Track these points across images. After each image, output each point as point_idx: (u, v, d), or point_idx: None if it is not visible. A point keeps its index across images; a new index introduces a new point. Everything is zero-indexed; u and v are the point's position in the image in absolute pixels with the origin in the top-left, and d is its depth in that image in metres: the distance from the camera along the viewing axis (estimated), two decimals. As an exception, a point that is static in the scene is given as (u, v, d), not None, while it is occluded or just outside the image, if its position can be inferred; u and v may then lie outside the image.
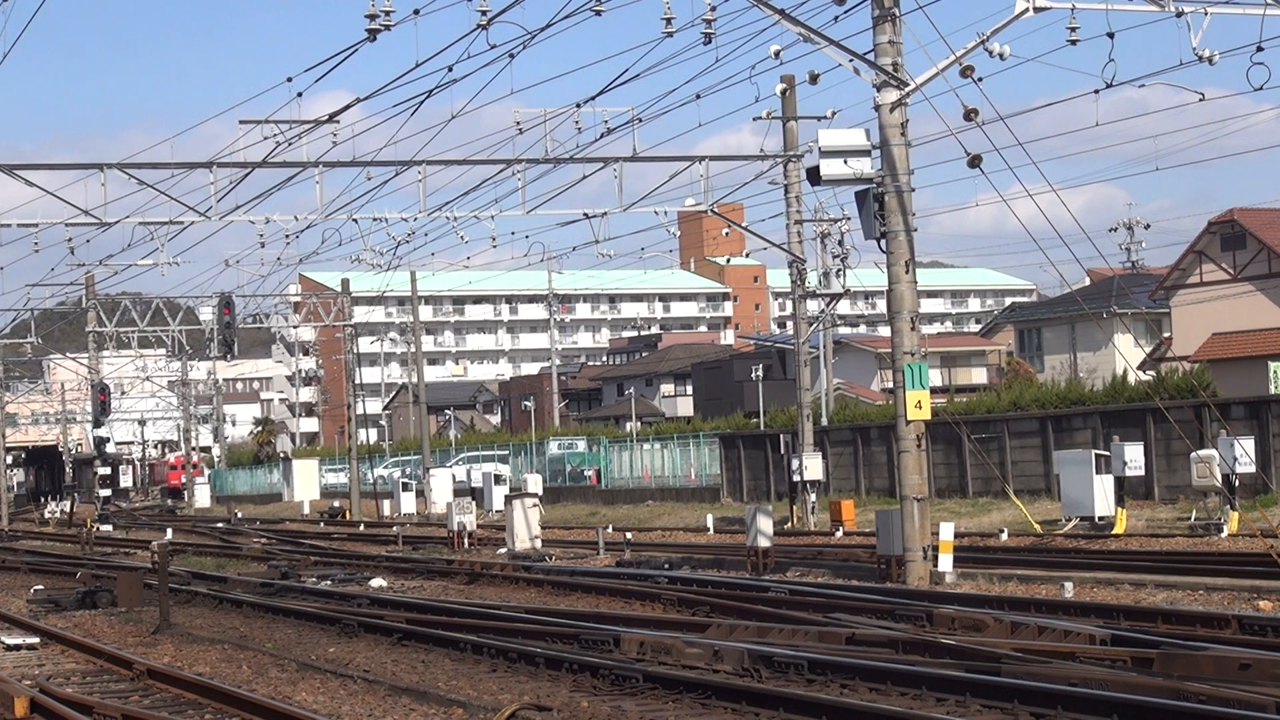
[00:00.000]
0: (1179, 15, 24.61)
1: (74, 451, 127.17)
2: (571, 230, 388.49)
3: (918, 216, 28.45)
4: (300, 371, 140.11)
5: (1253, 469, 32.59)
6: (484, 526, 46.26)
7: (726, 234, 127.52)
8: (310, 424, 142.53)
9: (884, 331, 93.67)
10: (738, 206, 66.95)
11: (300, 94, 32.22)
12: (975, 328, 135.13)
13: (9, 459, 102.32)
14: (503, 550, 38.10)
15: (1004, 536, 33.70)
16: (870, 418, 52.53)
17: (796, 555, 31.67)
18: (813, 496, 42.86)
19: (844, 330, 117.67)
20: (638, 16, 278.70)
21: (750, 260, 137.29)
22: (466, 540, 40.73)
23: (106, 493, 68.20)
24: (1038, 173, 26.63)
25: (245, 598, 27.50)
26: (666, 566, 30.60)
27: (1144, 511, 36.90)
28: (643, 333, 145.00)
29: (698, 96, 32.72)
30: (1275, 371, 52.05)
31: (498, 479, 57.45)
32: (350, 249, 44.64)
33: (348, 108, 32.00)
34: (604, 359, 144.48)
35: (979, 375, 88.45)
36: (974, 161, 24.37)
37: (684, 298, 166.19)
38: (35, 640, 22.36)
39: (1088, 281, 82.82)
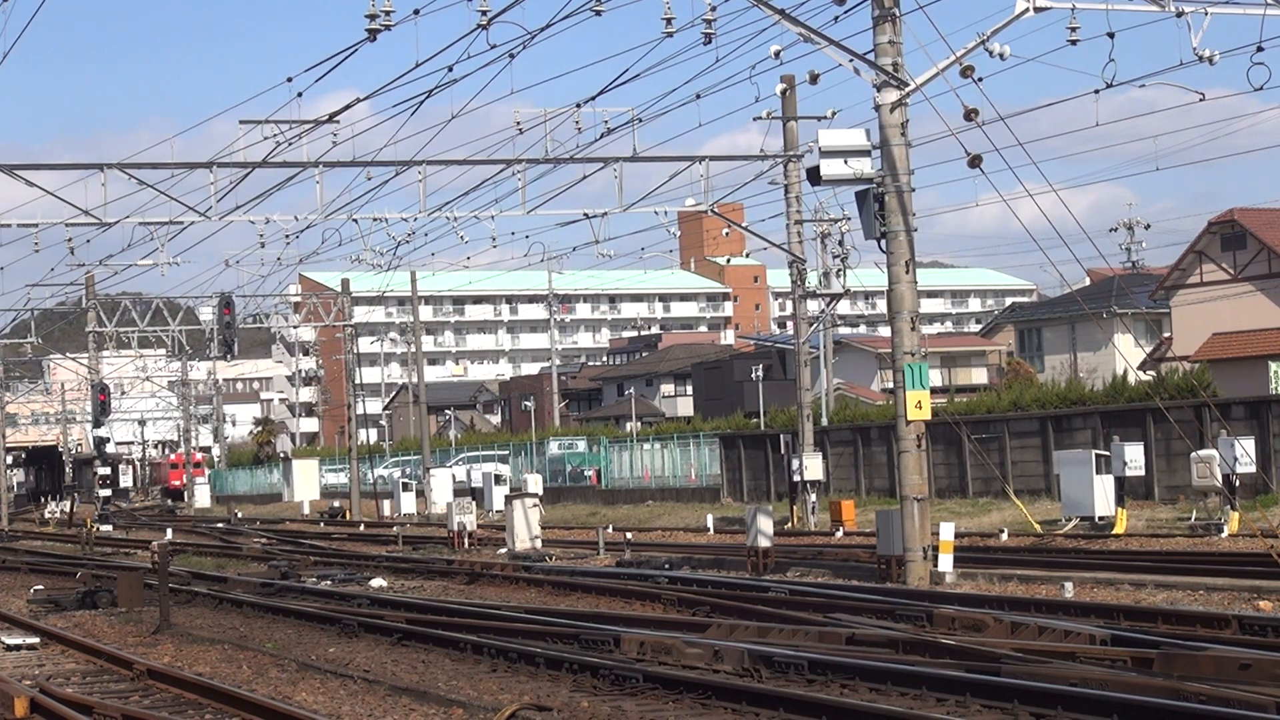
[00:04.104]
0: (1179, 15, 24.61)
1: (74, 451, 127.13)
2: (571, 230, 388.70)
3: (919, 216, 28.47)
4: (300, 371, 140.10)
5: (1253, 469, 32.60)
6: (484, 526, 46.26)
7: (726, 234, 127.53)
8: (310, 424, 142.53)
9: (884, 331, 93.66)
10: (738, 206, 66.92)
11: (300, 94, 32.25)
12: (975, 328, 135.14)
13: (9, 459, 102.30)
14: (503, 550, 38.10)
15: (1004, 536, 33.70)
16: (870, 418, 52.53)
17: (796, 555, 31.68)
18: (813, 496, 42.85)
19: (844, 330, 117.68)
20: (638, 16, 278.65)
21: (750, 260, 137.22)
22: (466, 540, 40.73)
23: (106, 493, 68.18)
24: (1039, 173, 26.64)
25: (245, 598, 27.49)
26: (666, 566, 30.60)
27: (1144, 511, 36.90)
28: (643, 333, 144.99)
29: (698, 96, 32.74)
30: (1275, 371, 52.08)
31: (498, 479, 57.46)
32: (350, 249, 44.68)
33: (348, 107, 31.99)
34: (604, 359, 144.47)
35: (979, 375, 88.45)
36: (974, 162, 24.37)
37: (684, 298, 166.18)
38: (35, 640, 22.36)
39: (1088, 281, 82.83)
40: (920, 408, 25.60)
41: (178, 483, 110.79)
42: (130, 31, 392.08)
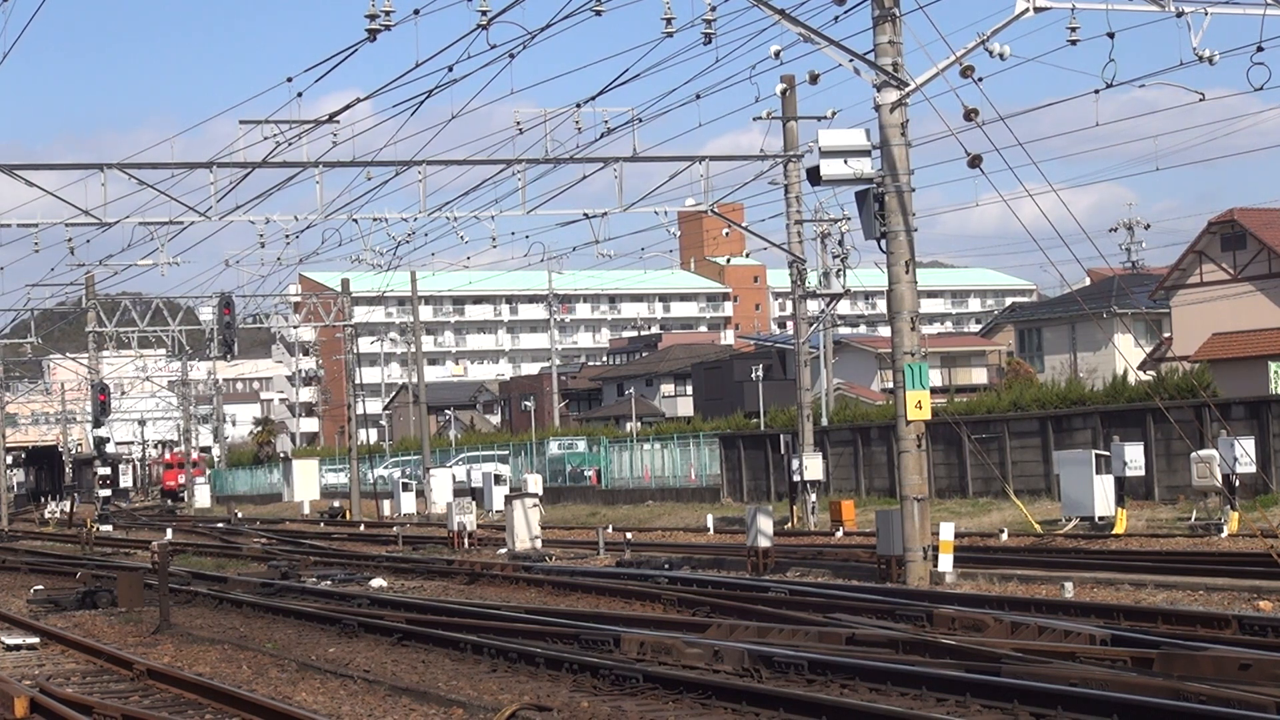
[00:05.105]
0: (1179, 15, 24.61)
1: (74, 451, 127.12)
2: (571, 230, 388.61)
3: (919, 216, 28.48)
4: (300, 371, 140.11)
5: (1253, 469, 32.60)
6: (484, 526, 46.26)
7: (726, 234, 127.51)
8: (310, 424, 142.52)
9: (884, 331, 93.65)
10: (738, 206, 66.93)
11: (300, 94, 32.23)
12: (975, 328, 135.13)
13: (9, 459, 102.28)
14: (503, 550, 38.10)
15: (1004, 536, 33.70)
16: (870, 418, 52.53)
17: (796, 555, 31.67)
18: (813, 496, 42.85)
19: (844, 330, 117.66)
20: (638, 16, 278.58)
21: (750, 260, 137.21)
22: (466, 540, 40.73)
23: (106, 493, 68.17)
24: (1039, 173, 26.65)
25: (245, 598, 27.49)
26: (666, 566, 30.60)
27: (1144, 511, 36.90)
28: (643, 333, 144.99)
29: (698, 96, 32.74)
30: (1275, 371, 52.08)
31: (498, 479, 57.46)
32: (350, 249, 44.71)
33: (348, 107, 31.98)
34: (604, 359, 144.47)
35: (979, 375, 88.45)
36: (974, 161, 24.36)
37: (684, 298, 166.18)
38: (35, 640, 22.36)
39: (1088, 281, 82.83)
40: (920, 408, 25.60)
41: (172, 483, 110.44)
42: (131, 31, 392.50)
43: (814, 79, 28.58)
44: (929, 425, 26.83)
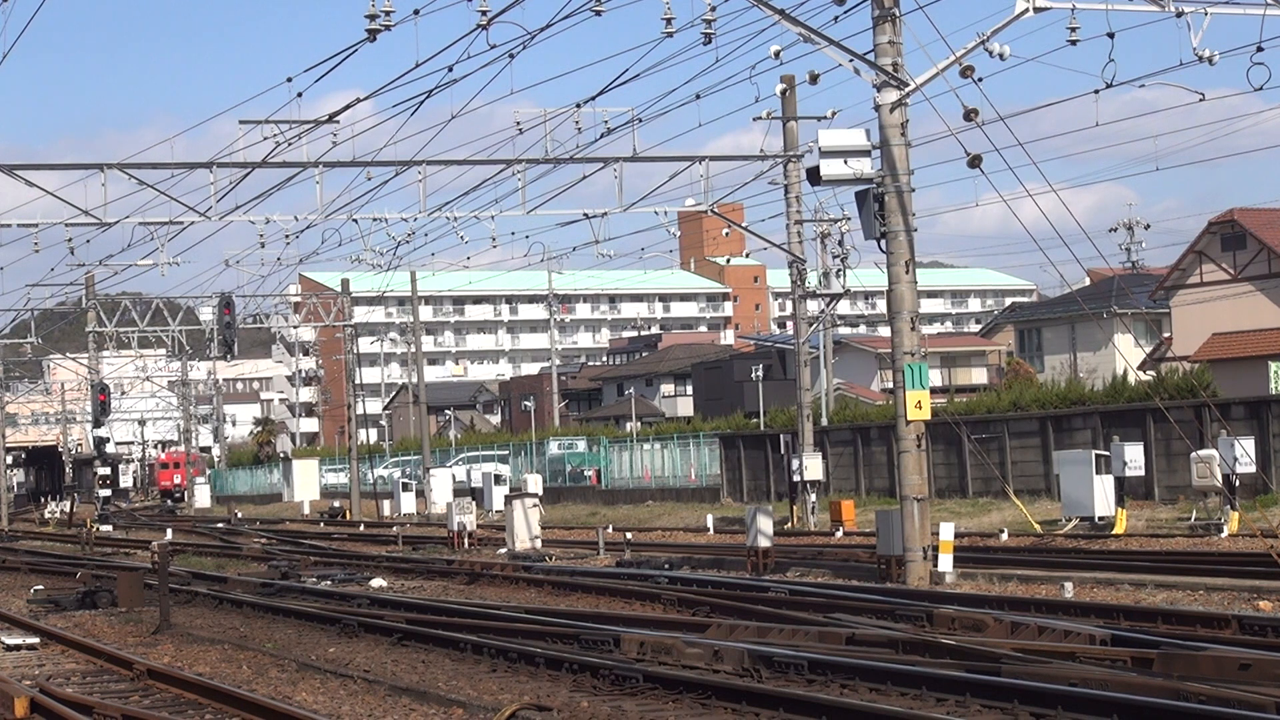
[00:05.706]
0: (1179, 15, 24.62)
1: (74, 452, 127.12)
2: (571, 230, 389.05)
3: (920, 216, 28.52)
4: (300, 371, 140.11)
5: (1253, 469, 32.61)
6: (484, 526, 46.27)
7: (726, 234, 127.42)
8: (310, 424, 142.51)
9: (884, 331, 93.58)
10: (738, 206, 66.90)
11: (300, 94, 32.23)
12: (975, 328, 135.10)
13: (9, 459, 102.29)
14: (503, 550, 38.11)
15: (1004, 536, 33.71)
16: (870, 418, 52.54)
17: (796, 555, 31.68)
18: (813, 496, 42.86)
19: (844, 330, 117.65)
20: (638, 16, 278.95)
21: (750, 260, 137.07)
22: (466, 540, 40.74)
23: (106, 493, 68.20)
24: (1039, 173, 26.66)
25: (245, 598, 27.49)
26: (666, 566, 30.60)
27: (1144, 511, 36.92)
28: (643, 333, 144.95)
29: (698, 96, 32.77)
30: (1275, 371, 52.09)
31: (498, 479, 57.49)
32: (350, 249, 44.59)
33: (348, 107, 31.98)
34: (604, 359, 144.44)
35: (979, 375, 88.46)
36: (974, 162, 24.37)
37: (684, 298, 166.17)
38: (35, 640, 22.36)
39: (1088, 281, 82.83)
40: (920, 408, 25.60)
41: (167, 483, 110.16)
42: (131, 32, 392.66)
43: (814, 79, 28.60)
44: (929, 425, 26.84)
